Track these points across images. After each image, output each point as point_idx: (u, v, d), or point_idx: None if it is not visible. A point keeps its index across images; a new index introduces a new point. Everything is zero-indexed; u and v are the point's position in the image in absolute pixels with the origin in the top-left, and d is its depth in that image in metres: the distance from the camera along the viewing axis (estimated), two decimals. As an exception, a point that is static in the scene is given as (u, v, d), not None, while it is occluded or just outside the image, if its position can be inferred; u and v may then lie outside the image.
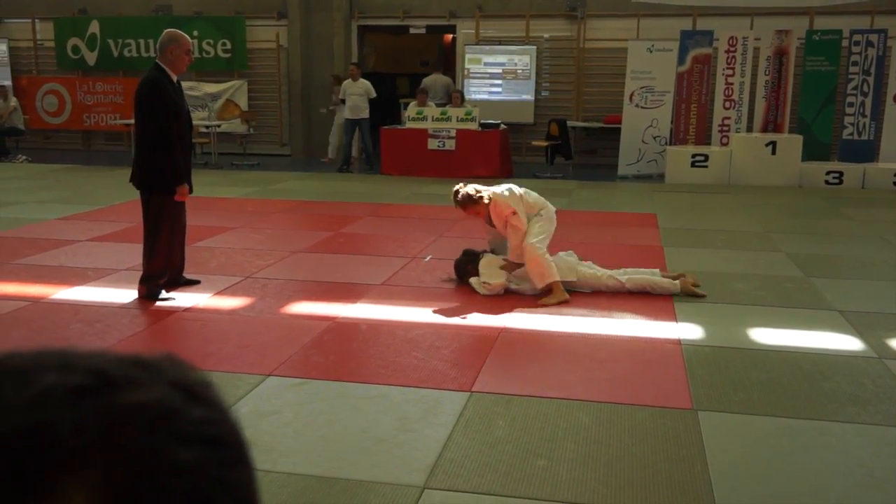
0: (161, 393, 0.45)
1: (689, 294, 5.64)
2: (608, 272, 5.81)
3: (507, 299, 5.60)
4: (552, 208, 5.86)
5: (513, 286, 5.75)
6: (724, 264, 6.65)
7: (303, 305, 5.41)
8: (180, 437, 0.44)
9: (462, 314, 5.23)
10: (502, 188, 5.80)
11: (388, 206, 9.48)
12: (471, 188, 5.74)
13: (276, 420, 3.61)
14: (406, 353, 4.49)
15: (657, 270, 5.90)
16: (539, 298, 5.56)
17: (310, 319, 5.11)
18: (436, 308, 5.34)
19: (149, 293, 5.47)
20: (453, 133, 12.08)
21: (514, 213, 5.65)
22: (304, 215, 9.01)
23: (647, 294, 5.66)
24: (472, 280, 5.79)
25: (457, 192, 5.76)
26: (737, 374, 4.22)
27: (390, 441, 3.42)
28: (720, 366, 4.33)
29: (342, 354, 4.54)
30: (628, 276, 5.77)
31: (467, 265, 5.90)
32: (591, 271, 5.81)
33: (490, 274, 5.72)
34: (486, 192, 5.72)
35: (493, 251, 6.04)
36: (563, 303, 5.47)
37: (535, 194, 5.88)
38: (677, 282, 5.69)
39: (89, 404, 0.43)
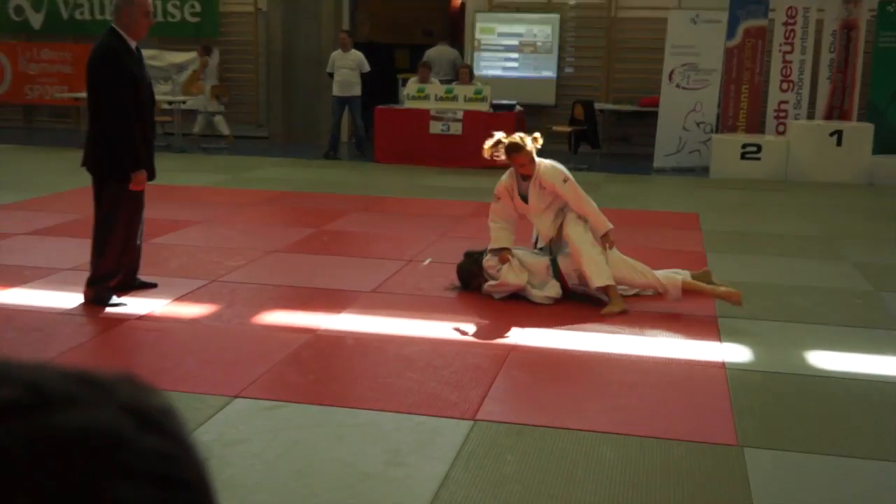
0: (107, 416, 0.44)
1: (693, 291, 5.56)
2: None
3: (519, 311, 5.58)
4: None
5: (530, 290, 5.71)
6: (778, 275, 6.65)
7: (278, 315, 5.42)
8: (126, 471, 0.43)
9: (466, 328, 5.23)
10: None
11: (381, 200, 9.50)
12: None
13: (243, 450, 3.61)
14: (399, 373, 4.49)
15: (686, 272, 5.80)
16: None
17: (286, 331, 5.11)
18: (435, 320, 5.34)
19: (97, 297, 5.47)
20: (460, 115, 12.10)
21: (568, 179, 5.77)
22: (283, 209, 9.03)
23: (686, 308, 5.63)
24: (486, 286, 5.78)
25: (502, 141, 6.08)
26: (791, 404, 4.22)
27: (378, 477, 3.42)
28: (771, 395, 4.32)
29: (323, 374, 4.54)
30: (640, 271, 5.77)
31: (471, 268, 5.90)
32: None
33: (505, 271, 5.69)
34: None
35: (540, 249, 6.01)
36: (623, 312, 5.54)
37: None
38: (679, 281, 5.61)
39: (18, 424, 0.41)
